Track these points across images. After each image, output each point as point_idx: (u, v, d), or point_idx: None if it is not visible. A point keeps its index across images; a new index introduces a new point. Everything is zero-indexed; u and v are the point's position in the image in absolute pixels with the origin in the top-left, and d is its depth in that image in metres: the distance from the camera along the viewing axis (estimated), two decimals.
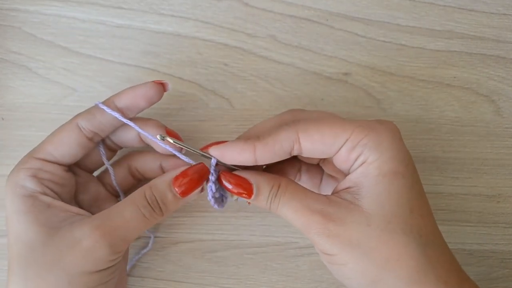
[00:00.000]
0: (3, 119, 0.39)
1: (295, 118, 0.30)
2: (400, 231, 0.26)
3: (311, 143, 0.27)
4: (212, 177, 0.30)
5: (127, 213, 0.28)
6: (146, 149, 0.36)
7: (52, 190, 0.30)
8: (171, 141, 0.29)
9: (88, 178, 0.34)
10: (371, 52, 0.40)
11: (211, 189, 0.30)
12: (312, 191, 0.29)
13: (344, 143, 0.27)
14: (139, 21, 0.40)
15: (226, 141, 0.29)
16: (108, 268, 0.28)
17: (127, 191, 0.35)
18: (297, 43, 0.40)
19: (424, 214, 0.27)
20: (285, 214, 0.28)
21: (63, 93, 0.39)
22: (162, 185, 0.30)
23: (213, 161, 0.29)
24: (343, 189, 0.28)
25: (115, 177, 0.34)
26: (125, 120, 0.31)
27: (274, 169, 0.34)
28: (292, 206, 0.28)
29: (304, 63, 0.40)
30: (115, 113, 0.31)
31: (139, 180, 0.36)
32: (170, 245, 0.38)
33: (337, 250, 0.26)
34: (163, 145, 0.31)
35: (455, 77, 0.40)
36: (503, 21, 0.40)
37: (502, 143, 0.39)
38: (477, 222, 0.38)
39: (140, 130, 0.31)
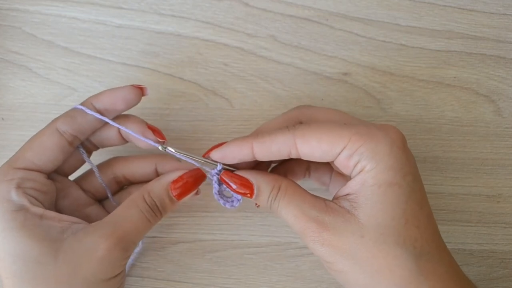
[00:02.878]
0: (3, 119, 0.39)
1: (302, 115, 0.30)
2: (392, 242, 0.26)
3: (308, 149, 0.27)
4: (214, 178, 0.31)
5: (134, 218, 0.29)
6: (129, 150, 0.36)
7: (36, 199, 0.29)
8: (173, 150, 0.30)
9: (67, 183, 0.33)
10: (371, 52, 0.40)
11: (215, 189, 0.31)
12: (312, 195, 0.29)
13: (342, 150, 0.26)
14: (139, 21, 0.40)
15: (225, 142, 0.30)
16: (121, 272, 0.29)
17: (107, 197, 0.35)
18: (297, 43, 0.40)
19: (420, 225, 0.26)
20: (283, 217, 0.29)
21: (63, 93, 0.39)
22: (159, 189, 0.30)
23: (219, 167, 0.30)
24: (343, 196, 0.28)
25: (92, 183, 0.34)
26: (110, 122, 0.31)
27: (282, 167, 0.34)
28: (290, 211, 0.28)
29: (304, 63, 0.40)
30: (99, 115, 0.31)
31: (122, 187, 0.35)
32: (170, 245, 0.38)
33: (332, 258, 0.27)
34: (147, 141, 0.31)
35: (455, 77, 0.40)
36: (503, 21, 0.40)
37: (502, 143, 0.39)
38: (477, 222, 0.38)
39: (127, 130, 0.31)
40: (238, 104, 0.39)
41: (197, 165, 0.31)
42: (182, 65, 0.40)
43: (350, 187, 0.27)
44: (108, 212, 0.32)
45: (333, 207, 0.27)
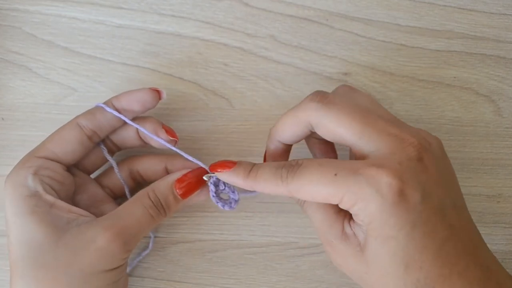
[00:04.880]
0: (3, 119, 0.39)
1: (313, 118, 0.29)
2: (393, 285, 0.26)
3: (305, 199, 0.28)
4: (211, 180, 0.32)
5: (137, 213, 0.30)
6: (147, 151, 0.37)
7: (52, 187, 0.30)
8: (214, 175, 0.31)
9: (86, 179, 0.34)
10: (371, 52, 0.40)
11: (211, 192, 0.32)
12: (333, 210, 0.29)
13: (338, 204, 0.27)
14: (139, 21, 0.40)
15: (228, 165, 0.30)
16: (120, 266, 0.30)
17: (124, 195, 0.36)
18: (297, 43, 0.40)
19: (424, 265, 0.25)
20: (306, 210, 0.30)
21: (63, 93, 0.39)
22: (164, 187, 0.31)
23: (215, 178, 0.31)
24: (361, 223, 0.27)
25: (112, 179, 0.35)
26: (126, 120, 0.33)
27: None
28: (315, 217, 0.30)
29: (304, 63, 0.40)
30: (117, 113, 0.32)
31: (138, 184, 0.36)
32: (170, 245, 0.38)
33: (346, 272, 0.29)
34: (161, 141, 0.33)
35: (455, 77, 0.40)
36: (503, 21, 0.40)
37: (502, 143, 0.39)
38: (477, 222, 0.37)
39: (140, 128, 0.33)
40: (238, 104, 0.39)
41: (201, 164, 0.32)
42: (182, 65, 0.40)
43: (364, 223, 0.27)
44: None
45: (349, 234, 0.28)
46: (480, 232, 0.38)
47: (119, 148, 0.35)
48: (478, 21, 0.40)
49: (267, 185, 0.28)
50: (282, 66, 0.40)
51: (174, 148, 0.33)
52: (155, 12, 0.40)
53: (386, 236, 0.25)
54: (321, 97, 0.29)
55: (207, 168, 0.32)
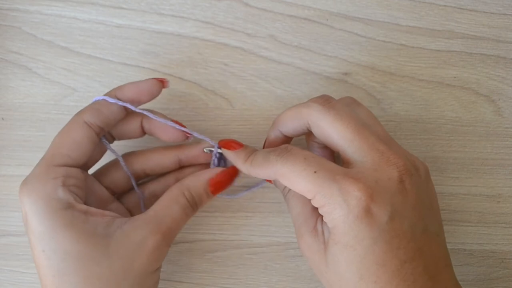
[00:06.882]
0: (3, 119, 0.39)
1: (311, 118, 0.30)
2: None
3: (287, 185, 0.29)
4: (214, 154, 0.34)
5: (175, 213, 0.30)
6: (139, 145, 0.37)
7: (77, 195, 0.29)
8: (220, 151, 0.33)
9: (91, 180, 0.33)
10: (371, 52, 0.40)
11: (214, 164, 0.34)
12: (310, 204, 0.29)
13: (311, 200, 0.28)
14: (139, 21, 0.40)
15: (235, 146, 0.32)
16: (161, 264, 0.31)
17: (125, 192, 0.35)
18: (297, 43, 0.40)
19: (379, 280, 0.26)
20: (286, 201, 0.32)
21: (63, 93, 0.39)
22: (199, 186, 0.32)
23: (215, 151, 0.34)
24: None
25: (113, 177, 0.34)
26: (135, 109, 0.32)
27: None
28: (290, 204, 0.31)
29: (304, 63, 0.40)
30: (125, 103, 0.32)
31: (139, 179, 0.36)
32: (170, 245, 0.38)
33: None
34: (174, 125, 0.33)
35: (455, 77, 0.40)
36: (503, 21, 0.40)
37: (502, 143, 0.39)
38: (477, 222, 0.38)
39: (155, 117, 0.33)
40: (238, 104, 0.39)
41: (212, 142, 0.34)
42: (182, 65, 0.40)
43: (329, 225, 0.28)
44: (127, 209, 0.34)
45: (318, 231, 0.29)
46: (480, 232, 0.38)
47: (114, 139, 0.34)
48: (478, 21, 0.40)
49: (258, 168, 0.30)
50: (282, 66, 0.40)
51: (188, 130, 0.34)
52: (155, 12, 0.40)
53: (345, 244, 0.26)
54: (324, 100, 0.30)
55: (213, 143, 0.34)
